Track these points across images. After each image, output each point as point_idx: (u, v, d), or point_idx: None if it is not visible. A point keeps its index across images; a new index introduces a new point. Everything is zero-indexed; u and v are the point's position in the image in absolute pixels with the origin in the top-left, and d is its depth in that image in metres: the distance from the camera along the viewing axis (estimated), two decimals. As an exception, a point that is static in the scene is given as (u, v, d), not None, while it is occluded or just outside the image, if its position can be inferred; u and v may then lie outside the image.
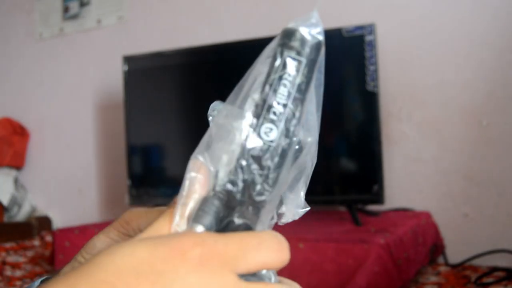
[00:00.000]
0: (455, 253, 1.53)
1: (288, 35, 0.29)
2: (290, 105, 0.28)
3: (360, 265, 1.09)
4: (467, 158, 1.56)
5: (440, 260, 1.54)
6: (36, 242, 2.01)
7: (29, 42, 2.41)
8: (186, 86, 1.81)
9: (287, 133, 0.28)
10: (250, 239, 0.27)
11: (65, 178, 2.30)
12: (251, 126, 0.28)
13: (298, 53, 0.28)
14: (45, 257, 1.77)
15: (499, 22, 1.53)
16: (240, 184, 0.28)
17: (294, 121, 0.28)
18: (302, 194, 0.33)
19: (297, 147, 0.30)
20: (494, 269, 1.34)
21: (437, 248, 1.48)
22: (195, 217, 0.28)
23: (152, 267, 0.26)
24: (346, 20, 1.64)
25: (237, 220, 0.29)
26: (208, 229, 0.28)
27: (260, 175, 0.28)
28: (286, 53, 0.28)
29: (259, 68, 0.29)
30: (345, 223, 1.39)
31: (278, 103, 0.28)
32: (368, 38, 1.45)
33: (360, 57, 1.46)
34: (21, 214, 2.28)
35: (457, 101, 1.58)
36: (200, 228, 0.28)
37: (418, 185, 1.62)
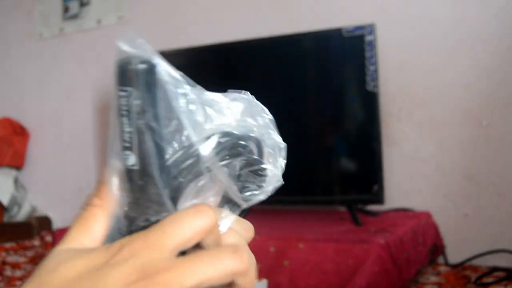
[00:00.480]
0: (455, 253, 1.53)
1: (116, 74, 0.31)
2: (134, 129, 0.30)
3: (360, 265, 1.09)
4: (467, 158, 1.56)
5: (440, 260, 1.54)
6: (36, 242, 2.01)
7: (29, 42, 2.41)
8: (186, 86, 1.80)
9: (143, 153, 0.31)
10: (166, 220, 0.28)
11: (65, 178, 2.30)
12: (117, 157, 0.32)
13: (124, 85, 0.31)
14: (45, 257, 1.77)
15: (499, 22, 1.53)
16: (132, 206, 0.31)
17: (148, 140, 0.31)
18: (235, 188, 0.35)
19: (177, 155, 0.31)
20: (494, 269, 1.34)
21: (437, 248, 1.48)
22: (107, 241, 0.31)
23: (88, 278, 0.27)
24: (346, 20, 1.64)
25: (153, 218, 0.31)
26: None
27: (136, 198, 0.31)
28: (117, 90, 0.31)
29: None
30: (345, 223, 1.39)
31: (124, 131, 0.31)
32: (368, 38, 1.45)
33: (360, 57, 1.46)
34: (21, 214, 2.28)
35: (457, 101, 1.58)
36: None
37: (418, 185, 1.62)
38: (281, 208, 1.73)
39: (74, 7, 2.28)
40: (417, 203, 1.61)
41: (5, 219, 2.25)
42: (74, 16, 2.28)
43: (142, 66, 0.31)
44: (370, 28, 1.45)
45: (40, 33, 2.37)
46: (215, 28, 1.97)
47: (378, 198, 1.44)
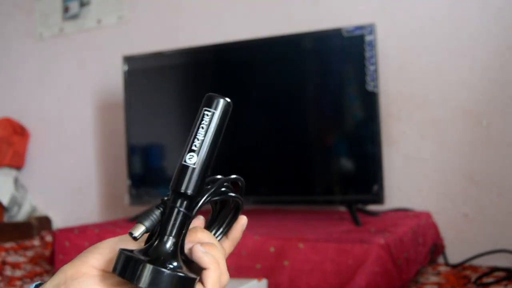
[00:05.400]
0: (455, 253, 1.53)
1: (206, 98, 0.43)
2: (206, 138, 0.42)
3: (360, 265, 1.09)
4: (467, 158, 1.56)
5: (440, 260, 1.54)
6: (36, 242, 2.01)
7: (29, 42, 2.41)
8: (186, 86, 1.81)
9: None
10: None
11: (65, 178, 2.30)
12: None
13: (209, 107, 0.43)
14: (45, 257, 1.77)
15: (499, 22, 1.53)
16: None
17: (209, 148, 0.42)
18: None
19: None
20: (494, 269, 1.34)
21: (437, 248, 1.48)
22: (140, 218, 0.41)
23: None
24: (346, 20, 1.64)
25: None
26: (147, 229, 0.41)
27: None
28: (203, 110, 0.43)
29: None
30: (345, 223, 1.39)
31: (197, 138, 0.42)
32: (368, 38, 1.45)
33: (360, 57, 1.46)
34: (21, 214, 2.28)
35: (457, 101, 1.58)
36: (141, 227, 0.41)
37: (418, 185, 1.62)
38: (281, 208, 1.73)
39: (74, 7, 2.28)
40: (417, 203, 1.61)
41: (5, 219, 2.25)
42: (74, 16, 2.28)
43: (226, 99, 0.43)
44: (370, 28, 1.45)
45: (40, 33, 2.38)
46: (215, 28, 1.97)
47: (378, 198, 1.44)
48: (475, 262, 1.47)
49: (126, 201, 1.85)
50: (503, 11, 1.52)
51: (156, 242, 0.41)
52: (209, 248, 0.41)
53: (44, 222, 2.21)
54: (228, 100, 0.43)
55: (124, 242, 0.43)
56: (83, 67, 2.27)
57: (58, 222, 2.27)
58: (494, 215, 1.53)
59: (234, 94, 1.74)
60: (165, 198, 0.43)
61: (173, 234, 0.41)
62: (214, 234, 0.48)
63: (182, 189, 0.41)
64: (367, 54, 1.45)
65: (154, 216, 0.41)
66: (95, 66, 2.23)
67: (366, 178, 1.47)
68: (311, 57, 1.59)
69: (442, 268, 1.46)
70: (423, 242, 1.37)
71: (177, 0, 2.05)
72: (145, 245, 0.43)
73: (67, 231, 1.50)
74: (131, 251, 0.40)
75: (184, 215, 0.41)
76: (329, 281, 1.12)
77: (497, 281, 1.25)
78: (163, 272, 0.38)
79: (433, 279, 1.34)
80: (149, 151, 1.87)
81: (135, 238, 0.40)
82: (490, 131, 1.54)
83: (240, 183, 0.49)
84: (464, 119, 1.57)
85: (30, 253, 1.84)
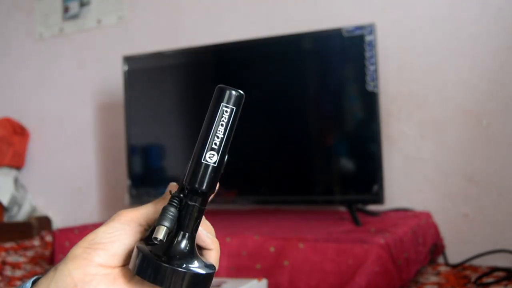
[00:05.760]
0: (455, 253, 1.53)
1: (223, 93, 0.42)
2: (225, 136, 0.41)
3: (360, 265, 1.09)
4: (467, 158, 1.56)
5: (440, 260, 1.54)
6: (36, 242, 2.01)
7: (29, 42, 2.41)
8: (186, 86, 1.81)
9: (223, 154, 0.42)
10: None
11: (65, 178, 2.30)
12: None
13: (228, 103, 0.41)
14: (45, 257, 1.77)
15: (499, 22, 1.53)
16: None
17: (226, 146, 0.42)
18: None
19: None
20: (494, 269, 1.34)
21: (437, 248, 1.48)
22: (160, 220, 0.41)
23: None
24: (346, 20, 1.64)
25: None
26: (169, 229, 0.41)
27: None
28: (222, 106, 0.41)
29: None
30: (345, 223, 1.39)
31: (218, 136, 0.41)
32: (368, 38, 1.45)
33: (360, 57, 1.46)
34: (21, 214, 2.28)
35: (457, 101, 1.58)
36: (163, 228, 0.40)
37: (418, 185, 1.62)
38: (281, 208, 1.73)
39: (74, 7, 2.28)
40: (417, 203, 1.61)
41: (5, 219, 2.25)
42: (74, 16, 2.28)
43: (241, 92, 0.42)
44: (370, 28, 1.45)
45: (40, 33, 2.38)
46: (215, 28, 1.97)
47: (378, 198, 1.44)
48: (475, 262, 1.47)
49: (126, 201, 1.85)
50: (503, 11, 1.52)
51: (175, 240, 0.41)
52: (206, 229, 0.44)
53: (44, 222, 2.21)
54: (242, 92, 0.43)
55: (117, 230, 0.42)
56: (83, 67, 2.27)
57: (58, 222, 2.27)
58: (494, 215, 1.53)
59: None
60: (176, 193, 0.43)
61: (192, 230, 0.42)
62: None
63: (204, 188, 0.41)
64: (367, 54, 1.45)
65: (171, 214, 0.41)
66: (95, 66, 2.23)
67: (366, 178, 1.47)
68: (311, 57, 1.59)
69: (442, 268, 1.46)
70: (423, 242, 1.37)
71: (177, 0, 2.05)
72: (146, 235, 0.43)
73: (67, 231, 1.50)
74: (148, 247, 0.40)
75: (201, 210, 0.42)
76: (329, 281, 1.12)
77: (497, 281, 1.25)
78: (186, 272, 0.39)
79: (433, 279, 1.34)
80: (149, 151, 1.87)
81: (161, 241, 0.40)
82: (490, 131, 1.54)
83: None
84: (464, 119, 1.57)
85: (30, 253, 1.84)
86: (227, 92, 0.42)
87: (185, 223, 0.42)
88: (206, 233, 0.44)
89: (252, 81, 1.65)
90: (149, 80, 1.84)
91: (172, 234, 0.41)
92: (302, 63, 1.59)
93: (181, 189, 0.43)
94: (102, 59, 2.21)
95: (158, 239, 0.40)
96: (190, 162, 0.42)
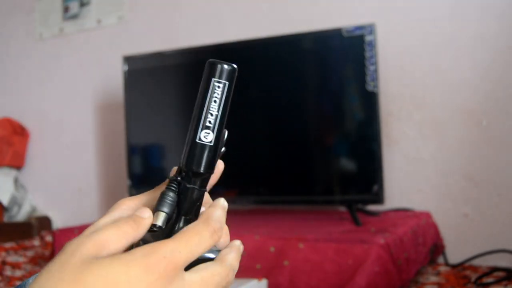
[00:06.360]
0: (455, 253, 1.53)
1: (213, 68, 0.40)
2: (220, 113, 0.39)
3: (360, 265, 1.09)
4: (467, 158, 1.56)
5: (440, 260, 1.54)
6: (36, 242, 2.01)
7: (29, 42, 2.41)
8: (186, 86, 1.81)
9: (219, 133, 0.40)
10: (193, 239, 0.37)
11: (65, 178, 2.30)
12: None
13: (221, 78, 0.40)
14: (45, 257, 1.77)
15: (499, 22, 1.53)
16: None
17: (222, 123, 0.40)
18: None
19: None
20: (494, 269, 1.34)
21: (437, 248, 1.48)
22: (158, 206, 0.39)
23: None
24: (346, 20, 1.64)
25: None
26: (168, 214, 0.39)
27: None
28: (213, 81, 0.40)
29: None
30: (345, 223, 1.39)
31: (212, 114, 0.39)
32: (368, 38, 1.45)
33: (360, 57, 1.46)
34: (21, 214, 2.28)
35: (457, 101, 1.58)
36: (162, 214, 0.39)
37: (418, 185, 1.62)
38: (281, 208, 1.73)
39: (74, 7, 2.28)
40: (417, 203, 1.61)
41: (5, 219, 2.25)
42: (74, 16, 2.28)
43: (233, 66, 0.40)
44: (370, 28, 1.45)
45: (40, 33, 2.37)
46: (215, 28, 1.97)
47: (378, 198, 1.44)
48: (475, 262, 1.47)
49: (126, 201, 1.84)
50: (503, 11, 1.52)
51: (176, 226, 0.40)
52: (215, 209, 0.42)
53: (44, 222, 2.21)
54: (235, 66, 0.40)
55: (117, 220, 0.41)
56: (83, 67, 2.27)
57: (58, 222, 2.27)
58: (494, 215, 1.53)
59: (234, 94, 1.74)
60: (174, 177, 0.41)
61: (193, 213, 0.40)
62: None
63: (202, 169, 0.39)
64: (367, 54, 1.45)
65: (170, 199, 0.40)
66: (95, 66, 2.23)
67: (366, 178, 1.47)
68: (311, 57, 1.59)
69: (442, 268, 1.46)
70: (423, 242, 1.37)
71: (177, 0, 2.05)
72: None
73: (67, 231, 1.50)
74: (148, 235, 0.39)
75: (201, 192, 0.41)
76: (329, 281, 1.12)
77: (497, 281, 1.25)
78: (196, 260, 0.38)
79: (433, 279, 1.34)
80: (149, 151, 1.87)
81: (160, 228, 0.39)
82: (490, 131, 1.53)
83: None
84: (464, 119, 1.57)
85: (30, 253, 1.84)
86: (219, 67, 0.40)
87: (185, 208, 0.40)
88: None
89: (252, 81, 1.65)
90: (149, 80, 1.84)
91: (173, 220, 0.40)
92: (302, 63, 1.59)
93: (179, 173, 0.41)
94: (102, 59, 2.21)
95: (157, 226, 0.39)
96: (186, 143, 0.40)
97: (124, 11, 2.17)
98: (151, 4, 2.11)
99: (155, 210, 0.39)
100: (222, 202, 0.42)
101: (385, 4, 1.67)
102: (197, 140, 0.39)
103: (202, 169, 0.39)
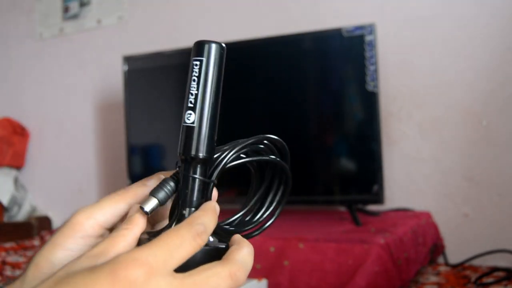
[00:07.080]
0: (455, 253, 1.53)
1: (194, 48, 0.38)
2: (200, 91, 0.37)
3: (360, 265, 1.09)
4: (467, 158, 1.56)
5: (440, 260, 1.54)
6: (36, 242, 2.01)
7: (29, 42, 2.41)
8: (186, 86, 1.80)
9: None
10: (173, 241, 0.34)
11: (65, 178, 2.30)
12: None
13: (198, 56, 0.37)
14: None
15: (499, 22, 1.53)
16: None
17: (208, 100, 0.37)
18: None
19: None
20: (494, 269, 1.34)
21: (437, 248, 1.48)
22: (153, 191, 0.38)
23: None
24: (346, 20, 1.64)
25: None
26: (161, 202, 0.37)
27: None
28: (192, 61, 0.38)
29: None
30: (345, 223, 1.39)
31: (191, 93, 0.37)
32: (368, 38, 1.45)
33: (360, 57, 1.46)
34: (21, 214, 2.28)
35: (457, 101, 1.58)
36: (153, 201, 0.37)
37: (418, 185, 1.62)
38: (281, 208, 1.73)
39: (74, 7, 2.28)
40: (417, 203, 1.61)
41: (5, 219, 2.25)
42: (74, 16, 2.28)
43: (217, 43, 0.38)
44: (370, 28, 1.45)
45: (40, 33, 2.37)
46: (215, 28, 1.97)
47: (378, 198, 1.44)
48: (475, 262, 1.47)
49: (126, 201, 1.84)
50: (503, 11, 1.52)
51: (178, 216, 0.38)
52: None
53: (44, 222, 2.21)
54: (220, 43, 0.38)
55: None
56: (83, 67, 2.27)
57: (58, 222, 2.26)
58: (494, 215, 1.53)
59: (234, 94, 1.74)
60: (179, 166, 0.39)
61: (194, 204, 0.38)
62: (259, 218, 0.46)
63: (192, 153, 0.37)
64: (367, 54, 1.45)
65: (168, 187, 0.38)
66: (95, 66, 2.23)
67: (366, 178, 1.47)
68: (311, 57, 1.59)
69: (442, 268, 1.46)
70: (423, 242, 1.37)
71: (177, 0, 2.05)
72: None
73: (67, 231, 1.49)
74: (154, 233, 0.37)
75: (201, 181, 0.38)
76: (329, 281, 1.12)
77: (497, 281, 1.25)
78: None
79: (433, 279, 1.34)
80: (149, 151, 1.87)
81: (146, 213, 0.37)
82: (490, 131, 1.54)
83: (279, 145, 0.43)
84: (464, 119, 1.57)
85: (30, 253, 1.84)
86: (196, 45, 0.38)
87: (188, 198, 0.38)
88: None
89: (252, 81, 1.65)
90: (149, 80, 1.84)
91: (178, 212, 0.38)
92: (302, 63, 1.59)
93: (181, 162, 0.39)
94: (102, 59, 2.21)
95: (144, 210, 0.37)
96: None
97: (124, 11, 2.17)
98: (151, 4, 2.11)
99: (149, 194, 0.38)
100: (212, 205, 0.39)
101: (385, 4, 1.67)
102: (183, 123, 0.37)
103: (192, 153, 0.37)
